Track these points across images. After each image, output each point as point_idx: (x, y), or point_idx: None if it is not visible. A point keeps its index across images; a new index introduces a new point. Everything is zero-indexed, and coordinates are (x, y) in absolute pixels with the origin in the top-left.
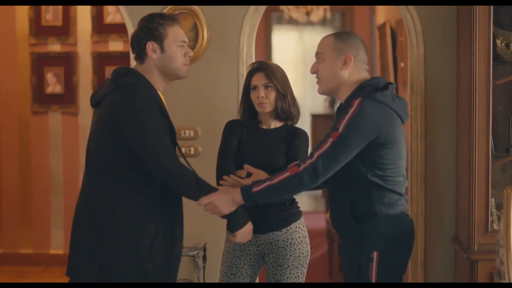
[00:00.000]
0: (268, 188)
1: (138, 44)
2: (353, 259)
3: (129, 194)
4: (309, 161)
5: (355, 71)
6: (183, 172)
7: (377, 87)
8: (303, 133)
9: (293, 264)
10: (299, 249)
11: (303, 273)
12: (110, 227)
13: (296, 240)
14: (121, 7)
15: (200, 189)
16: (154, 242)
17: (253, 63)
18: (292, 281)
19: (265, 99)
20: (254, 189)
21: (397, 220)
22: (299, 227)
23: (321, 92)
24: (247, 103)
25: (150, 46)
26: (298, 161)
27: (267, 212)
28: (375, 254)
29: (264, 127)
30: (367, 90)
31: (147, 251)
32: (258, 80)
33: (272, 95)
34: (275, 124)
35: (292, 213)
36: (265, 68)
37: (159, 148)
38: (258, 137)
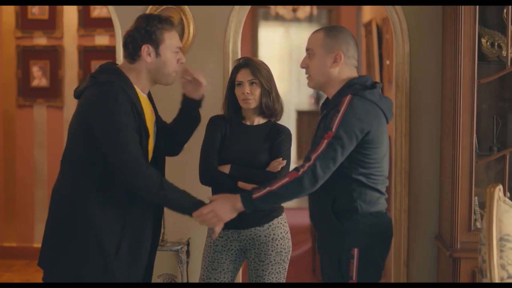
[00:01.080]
0: (269, 194)
1: (133, 45)
2: (333, 256)
3: (95, 192)
4: (307, 165)
5: (345, 68)
6: (148, 173)
7: (365, 85)
8: (286, 130)
9: (274, 260)
10: (281, 244)
11: (285, 268)
12: (76, 225)
13: (278, 235)
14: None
15: (164, 191)
16: (121, 243)
17: (239, 59)
18: (274, 276)
19: (250, 95)
20: (255, 196)
21: (377, 217)
22: (281, 223)
23: (311, 86)
24: (231, 99)
25: (146, 49)
26: (296, 166)
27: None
28: (355, 251)
29: (248, 123)
30: (356, 87)
31: (114, 251)
32: (244, 76)
33: (257, 92)
34: (258, 120)
35: (274, 209)
36: (250, 64)
37: (124, 146)
38: (241, 133)
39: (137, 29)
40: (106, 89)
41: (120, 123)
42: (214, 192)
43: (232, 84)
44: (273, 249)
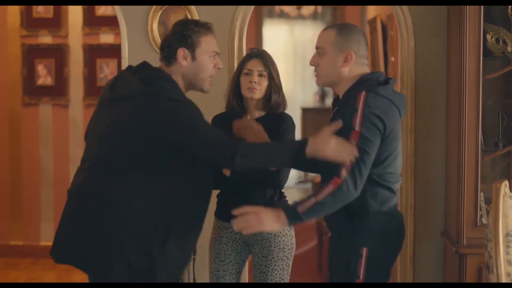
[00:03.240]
0: (316, 205)
1: (169, 49)
2: (342, 254)
3: (140, 194)
4: (344, 170)
5: (355, 67)
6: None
7: (377, 80)
8: (288, 117)
9: (278, 256)
10: (283, 241)
11: (289, 265)
12: (116, 225)
13: (281, 232)
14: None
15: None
16: (166, 242)
17: (252, 49)
18: (277, 273)
19: (257, 85)
20: (300, 209)
21: (388, 216)
22: None
23: (319, 84)
24: (236, 89)
25: (181, 52)
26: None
27: (253, 204)
28: (364, 250)
29: (249, 117)
30: (369, 83)
31: (158, 251)
32: (254, 65)
33: (264, 84)
34: (259, 113)
35: (276, 207)
36: (264, 56)
37: (211, 141)
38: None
39: (174, 33)
40: (180, 105)
41: (187, 119)
42: (225, 193)
43: (239, 73)
44: (275, 245)
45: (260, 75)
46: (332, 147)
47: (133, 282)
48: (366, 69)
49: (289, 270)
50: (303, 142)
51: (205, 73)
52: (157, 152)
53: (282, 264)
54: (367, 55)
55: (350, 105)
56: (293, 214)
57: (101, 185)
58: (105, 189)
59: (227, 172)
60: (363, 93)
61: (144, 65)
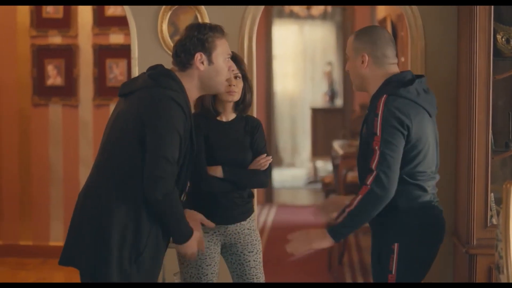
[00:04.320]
0: (350, 216)
1: (186, 54)
2: (374, 250)
3: (134, 195)
4: (372, 176)
5: (376, 67)
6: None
7: (403, 81)
8: (259, 122)
9: (258, 249)
10: (257, 234)
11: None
12: (109, 226)
13: (255, 227)
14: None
15: (167, 200)
16: (144, 250)
17: None
18: (260, 265)
19: (236, 87)
20: (339, 221)
21: (419, 213)
22: (254, 216)
23: (354, 88)
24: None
25: (199, 57)
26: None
27: (233, 205)
28: (396, 246)
29: (223, 119)
30: (392, 86)
31: (134, 258)
32: None
33: (241, 85)
34: (232, 115)
35: (251, 204)
36: (237, 58)
37: (162, 160)
38: (222, 132)
39: (189, 37)
40: (169, 94)
41: (172, 127)
42: (204, 196)
43: None
44: (255, 239)
45: (236, 77)
46: None
47: (133, 282)
48: (393, 69)
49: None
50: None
51: (222, 77)
52: (142, 148)
53: (261, 256)
54: (391, 53)
55: (372, 110)
56: (334, 230)
57: (99, 187)
58: (102, 191)
59: (217, 173)
60: (384, 97)
61: (158, 65)
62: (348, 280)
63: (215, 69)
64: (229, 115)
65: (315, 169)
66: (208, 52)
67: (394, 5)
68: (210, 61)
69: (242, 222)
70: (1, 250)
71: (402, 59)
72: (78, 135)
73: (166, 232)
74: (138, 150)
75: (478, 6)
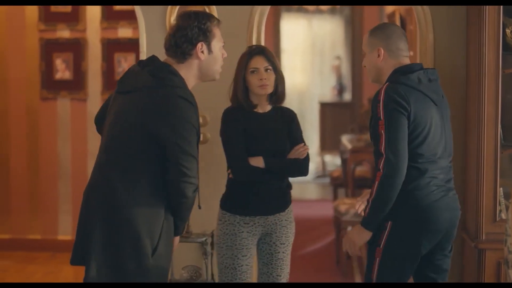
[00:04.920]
0: (373, 204)
1: (188, 44)
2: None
3: (145, 195)
4: (382, 160)
5: (391, 59)
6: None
7: (408, 71)
8: (294, 113)
9: (291, 241)
10: (293, 226)
11: None
12: (122, 226)
13: (292, 218)
14: None
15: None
16: (158, 245)
17: (251, 46)
18: (288, 257)
19: (267, 80)
20: (368, 212)
21: (412, 194)
22: (291, 208)
23: (370, 80)
24: (242, 87)
25: (200, 46)
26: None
27: (273, 195)
28: (388, 224)
29: (260, 111)
30: (395, 75)
31: (151, 253)
32: (259, 62)
33: (273, 78)
34: (267, 107)
35: (289, 196)
36: (265, 51)
37: (188, 139)
38: (260, 123)
39: (190, 27)
40: (179, 93)
41: (190, 136)
42: (245, 188)
43: (242, 72)
44: (291, 231)
45: (266, 70)
46: None
47: (133, 282)
48: (406, 61)
49: None
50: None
51: (218, 65)
52: (152, 144)
53: (290, 249)
54: (404, 47)
55: (375, 98)
56: (365, 222)
57: (106, 185)
58: (109, 189)
59: (259, 163)
60: (386, 85)
61: (153, 59)
62: (356, 274)
63: (214, 58)
64: (265, 107)
65: (324, 163)
66: (208, 41)
67: (401, 5)
68: (209, 50)
69: (281, 213)
70: (10, 244)
71: (411, 53)
72: (86, 129)
73: (178, 225)
74: (146, 147)
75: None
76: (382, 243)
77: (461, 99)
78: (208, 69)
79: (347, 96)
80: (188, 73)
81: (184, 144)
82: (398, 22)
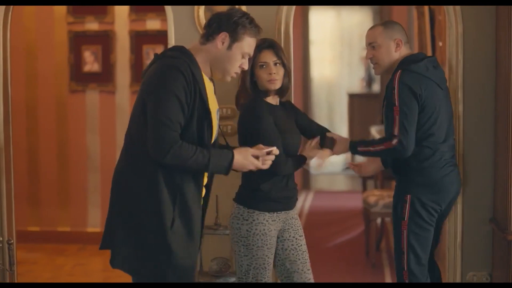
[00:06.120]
0: (369, 153)
1: (216, 26)
2: (394, 200)
3: (149, 168)
4: (396, 140)
5: (405, 49)
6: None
7: (415, 60)
8: (291, 102)
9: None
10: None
11: None
12: (140, 203)
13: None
14: None
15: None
16: (174, 219)
17: (263, 40)
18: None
19: (276, 75)
20: (360, 149)
21: (427, 170)
22: None
23: (379, 73)
24: (252, 81)
25: (222, 36)
26: (389, 135)
27: (295, 189)
28: (408, 197)
29: (273, 103)
30: (405, 63)
31: (169, 226)
32: (268, 57)
33: (281, 72)
34: (277, 99)
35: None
36: (274, 45)
37: (158, 122)
38: (281, 116)
39: (229, 16)
40: (163, 62)
41: (170, 92)
42: (279, 183)
43: (253, 66)
44: (299, 224)
45: (275, 64)
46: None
47: (134, 282)
48: (409, 51)
49: None
50: (231, 157)
51: (230, 67)
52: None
53: None
54: (408, 40)
55: (390, 85)
56: (354, 148)
57: (122, 164)
58: (121, 169)
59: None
60: (398, 72)
61: (175, 46)
62: (386, 265)
63: (229, 56)
64: (276, 101)
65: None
66: (233, 38)
67: (430, 5)
68: (229, 46)
69: (294, 208)
70: (39, 236)
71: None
72: (115, 121)
73: (198, 179)
74: (143, 123)
75: None
76: (406, 215)
77: (491, 89)
78: (220, 63)
79: (376, 88)
80: (205, 57)
81: (157, 108)
82: (426, 13)
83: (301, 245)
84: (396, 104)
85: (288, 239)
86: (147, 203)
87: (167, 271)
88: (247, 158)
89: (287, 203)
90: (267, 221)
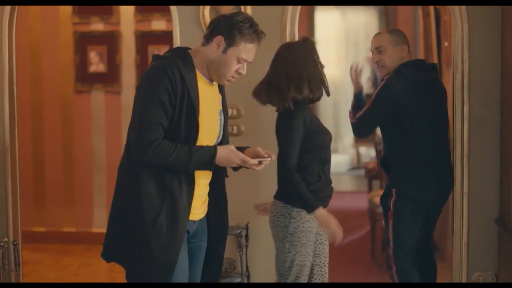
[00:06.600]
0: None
1: (214, 29)
2: (383, 194)
3: (140, 167)
4: (354, 119)
5: (409, 55)
6: (147, 136)
7: (407, 64)
8: None
9: None
10: None
11: None
12: (128, 199)
13: None
14: None
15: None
16: (159, 215)
17: (308, 37)
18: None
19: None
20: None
21: (405, 167)
22: None
23: (384, 75)
24: (315, 79)
25: (218, 39)
26: (354, 114)
27: (332, 190)
28: (393, 191)
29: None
30: (399, 67)
31: (151, 222)
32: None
33: None
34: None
35: None
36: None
37: (138, 122)
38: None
39: (228, 19)
40: (155, 63)
41: (150, 93)
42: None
43: (314, 63)
44: None
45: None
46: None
47: (135, 283)
48: (410, 57)
49: None
50: (213, 151)
51: (225, 71)
52: None
53: None
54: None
55: (380, 82)
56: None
57: (121, 164)
58: (121, 164)
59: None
60: (386, 76)
61: (176, 47)
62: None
63: (224, 60)
64: None
65: (358, 155)
66: (229, 42)
67: (436, 5)
68: (224, 50)
69: None
70: (45, 236)
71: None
72: (120, 121)
73: (187, 174)
74: None
75: None
76: (391, 207)
77: (496, 89)
78: (215, 66)
79: None
80: (203, 59)
81: (138, 112)
82: (432, 13)
83: (326, 240)
84: (373, 97)
85: (317, 233)
86: (135, 199)
87: (144, 265)
88: (231, 152)
89: (327, 201)
90: (312, 219)
